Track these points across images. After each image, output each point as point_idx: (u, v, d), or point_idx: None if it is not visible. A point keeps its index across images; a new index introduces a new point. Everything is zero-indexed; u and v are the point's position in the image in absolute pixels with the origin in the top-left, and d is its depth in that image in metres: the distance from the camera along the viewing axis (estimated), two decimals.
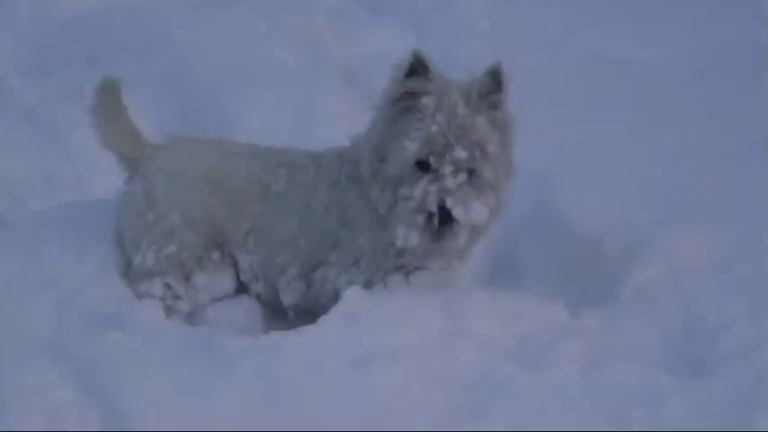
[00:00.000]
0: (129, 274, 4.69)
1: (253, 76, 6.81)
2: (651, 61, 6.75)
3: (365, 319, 4.22)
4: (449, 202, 4.09)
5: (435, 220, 4.11)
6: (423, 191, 4.12)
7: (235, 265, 4.68)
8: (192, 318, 4.67)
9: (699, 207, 5.00)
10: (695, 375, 4.09)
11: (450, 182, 4.09)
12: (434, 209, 4.10)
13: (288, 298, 4.56)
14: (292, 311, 4.58)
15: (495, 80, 4.20)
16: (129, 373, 3.99)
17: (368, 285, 4.49)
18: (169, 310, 4.63)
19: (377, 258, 4.46)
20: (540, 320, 4.32)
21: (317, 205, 4.46)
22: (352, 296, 4.33)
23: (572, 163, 5.46)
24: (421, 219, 4.14)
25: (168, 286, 4.60)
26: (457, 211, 4.09)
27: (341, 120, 5.96)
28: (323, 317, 4.28)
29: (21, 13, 7.57)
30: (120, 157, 4.75)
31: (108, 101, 4.83)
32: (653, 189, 5.15)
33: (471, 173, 4.12)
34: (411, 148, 4.14)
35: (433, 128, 4.11)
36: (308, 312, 4.49)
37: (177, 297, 4.61)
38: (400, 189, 4.22)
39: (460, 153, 4.10)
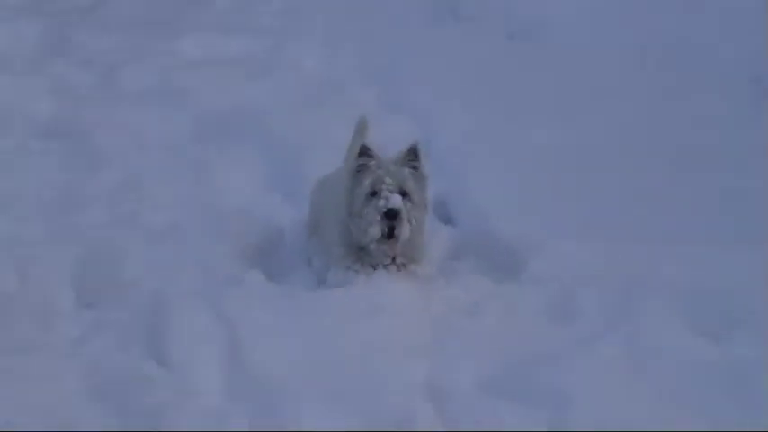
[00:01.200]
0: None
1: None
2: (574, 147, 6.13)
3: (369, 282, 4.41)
4: (394, 210, 4.29)
5: (385, 220, 4.30)
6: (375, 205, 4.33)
7: None
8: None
9: (579, 229, 5.10)
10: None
11: (391, 198, 4.30)
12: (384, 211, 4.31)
13: None
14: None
15: (414, 154, 4.42)
16: (251, 310, 4.20)
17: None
18: None
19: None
20: (473, 286, 4.61)
21: None
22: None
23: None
24: (380, 221, 4.32)
25: None
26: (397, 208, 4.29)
27: None
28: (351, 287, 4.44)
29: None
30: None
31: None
32: (555, 219, 5.17)
33: (406, 195, 4.34)
34: (368, 182, 4.34)
35: (379, 171, 4.36)
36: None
37: None
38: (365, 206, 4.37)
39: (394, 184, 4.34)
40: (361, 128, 5.02)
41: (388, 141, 4.70)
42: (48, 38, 7.06)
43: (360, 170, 4.43)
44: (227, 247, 4.82)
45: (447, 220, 5.23)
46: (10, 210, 5.16)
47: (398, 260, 4.53)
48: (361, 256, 4.52)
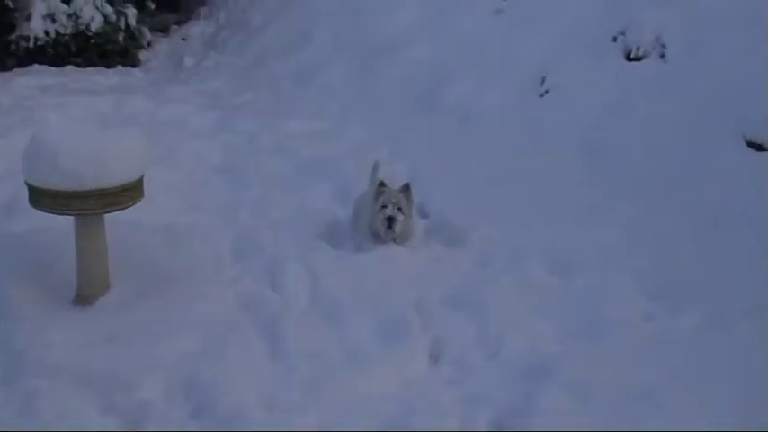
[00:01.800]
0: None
1: None
2: None
3: (383, 249, 4.27)
4: (392, 217, 4.25)
5: (387, 222, 4.26)
6: (383, 213, 4.27)
7: None
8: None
9: (496, 221, 4.64)
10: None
11: (392, 210, 4.26)
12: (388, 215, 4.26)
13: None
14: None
15: (407, 188, 4.32)
16: (328, 264, 4.04)
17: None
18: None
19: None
20: (436, 250, 4.44)
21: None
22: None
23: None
24: (385, 221, 4.28)
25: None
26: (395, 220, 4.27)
27: None
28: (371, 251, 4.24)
29: None
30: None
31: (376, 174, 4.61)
32: (482, 217, 4.70)
33: (400, 209, 4.28)
34: (381, 200, 4.28)
35: (387, 195, 4.28)
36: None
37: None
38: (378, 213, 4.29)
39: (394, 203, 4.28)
40: (376, 167, 4.69)
41: (395, 178, 4.45)
42: (220, 121, 6.70)
43: (378, 194, 4.31)
44: (312, 229, 4.57)
45: (424, 215, 4.86)
46: (198, 210, 4.80)
47: (396, 240, 4.32)
48: (377, 237, 4.34)
